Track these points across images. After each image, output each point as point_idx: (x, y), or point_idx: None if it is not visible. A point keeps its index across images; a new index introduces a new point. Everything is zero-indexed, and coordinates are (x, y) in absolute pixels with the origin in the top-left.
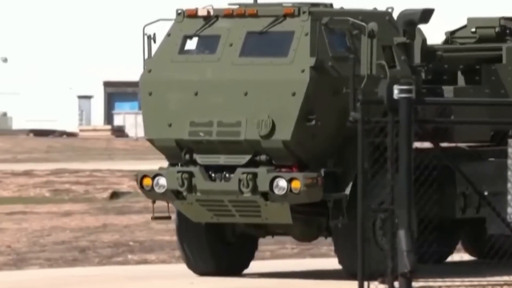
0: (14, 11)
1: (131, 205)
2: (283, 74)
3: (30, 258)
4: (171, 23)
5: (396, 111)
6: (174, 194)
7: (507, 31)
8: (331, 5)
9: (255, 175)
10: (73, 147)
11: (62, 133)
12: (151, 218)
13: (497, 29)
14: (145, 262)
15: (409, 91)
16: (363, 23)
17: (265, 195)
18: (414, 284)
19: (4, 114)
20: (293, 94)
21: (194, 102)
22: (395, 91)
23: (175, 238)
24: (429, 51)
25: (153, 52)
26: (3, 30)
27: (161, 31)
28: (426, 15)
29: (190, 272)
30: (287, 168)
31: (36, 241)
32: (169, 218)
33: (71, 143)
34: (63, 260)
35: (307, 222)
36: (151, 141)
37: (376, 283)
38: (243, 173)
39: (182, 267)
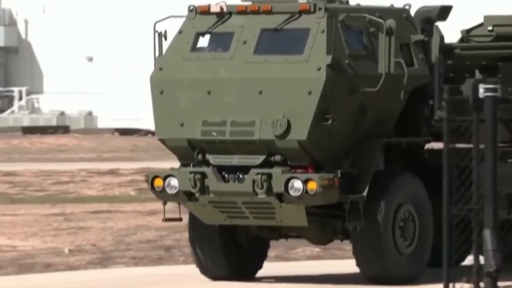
0: (99, 11)
1: None
2: (298, 72)
3: (115, 256)
4: (183, 20)
5: (481, 110)
6: (186, 196)
7: None
8: (347, 1)
9: (269, 175)
10: (158, 146)
11: (147, 132)
12: (162, 220)
13: None
14: None
15: (494, 90)
16: (381, 20)
17: (280, 197)
18: (499, 283)
19: (90, 113)
20: (309, 93)
21: (206, 101)
22: (481, 90)
23: None
24: (447, 49)
25: (164, 49)
26: (89, 29)
27: (173, 28)
28: (444, 12)
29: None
30: (303, 168)
31: (122, 239)
32: (180, 220)
33: (156, 142)
34: (148, 259)
35: (322, 224)
36: (162, 141)
37: (461, 283)
38: (258, 173)
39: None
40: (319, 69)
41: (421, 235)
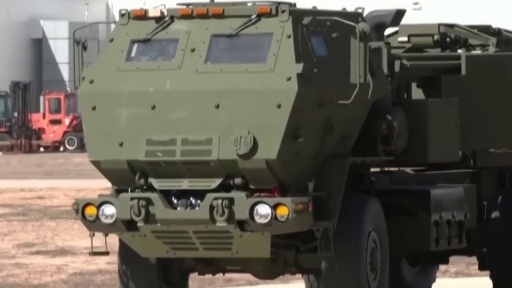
0: None
1: None
2: (264, 83)
3: None
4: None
5: None
6: (124, 225)
7: (448, 39)
8: (294, 5)
9: (231, 200)
10: None
11: None
12: (89, 253)
13: (436, 37)
14: None
15: None
16: (353, 23)
17: (242, 224)
18: None
19: None
20: (278, 106)
21: (150, 117)
22: None
23: None
24: (394, 59)
25: (86, 61)
26: None
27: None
28: (398, 17)
29: None
30: (266, 192)
31: None
32: (107, 253)
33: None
34: None
35: (273, 256)
36: (96, 163)
37: None
38: (216, 198)
39: None
40: (288, 79)
41: (383, 268)
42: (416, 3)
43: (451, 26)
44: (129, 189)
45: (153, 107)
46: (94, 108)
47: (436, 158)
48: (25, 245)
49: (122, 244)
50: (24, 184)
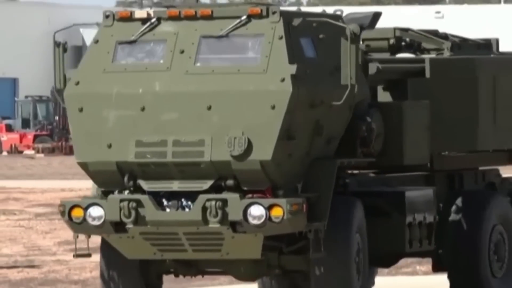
0: None
1: None
2: (257, 84)
3: None
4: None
5: None
6: (112, 227)
7: (403, 43)
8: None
9: (224, 202)
10: None
11: None
12: (74, 256)
13: (391, 41)
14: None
15: None
16: (343, 25)
17: (234, 226)
18: None
19: None
20: (273, 107)
21: (140, 118)
22: None
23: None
24: (367, 62)
25: (67, 63)
26: None
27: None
28: (375, 19)
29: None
30: (258, 193)
31: None
32: (89, 255)
33: None
34: None
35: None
36: (83, 165)
37: None
38: (209, 200)
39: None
40: (282, 80)
41: (365, 269)
42: (438, 12)
43: (406, 30)
44: (116, 191)
45: (143, 109)
46: (81, 110)
47: (411, 160)
48: (65, 242)
49: (104, 245)
50: (64, 184)
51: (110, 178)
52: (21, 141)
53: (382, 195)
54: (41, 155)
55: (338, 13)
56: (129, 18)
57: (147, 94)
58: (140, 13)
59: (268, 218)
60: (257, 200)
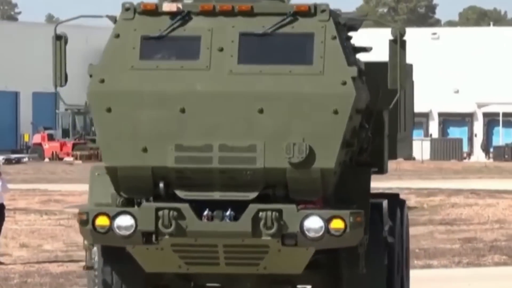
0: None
1: (417, 218)
2: (315, 87)
3: None
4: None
5: None
6: (143, 237)
7: None
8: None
9: (280, 213)
10: None
11: None
12: (84, 268)
13: None
14: (428, 267)
15: None
16: (392, 25)
17: (283, 238)
18: None
19: None
20: (335, 112)
21: (180, 120)
22: None
23: (456, 246)
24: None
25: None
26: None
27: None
28: (361, 23)
29: (469, 275)
30: (308, 204)
31: None
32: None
33: None
34: None
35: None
36: (112, 169)
37: None
38: (262, 210)
39: (462, 271)
40: (344, 83)
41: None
42: (434, 33)
43: None
44: (140, 200)
45: (182, 110)
46: (109, 110)
47: (387, 170)
48: None
49: (108, 257)
50: None
51: (141, 185)
52: (61, 149)
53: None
54: (79, 161)
55: (338, 12)
56: (154, 12)
57: (186, 94)
58: (168, 6)
59: (327, 231)
60: (315, 211)
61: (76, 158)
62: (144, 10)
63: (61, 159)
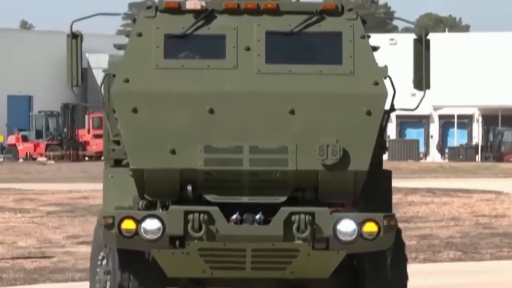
0: None
1: None
2: (347, 87)
3: None
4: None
5: None
6: (170, 242)
7: None
8: None
9: (312, 216)
10: None
11: None
12: (104, 273)
13: None
14: None
15: None
16: (419, 25)
17: (313, 242)
18: None
19: None
20: (368, 113)
21: (208, 121)
22: None
23: (413, 242)
24: None
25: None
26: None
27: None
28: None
29: (425, 270)
30: (338, 207)
31: None
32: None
33: None
34: None
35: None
36: (139, 172)
37: None
38: (294, 213)
39: (418, 267)
40: (376, 83)
41: None
42: (392, 39)
43: None
44: (166, 203)
45: (211, 111)
46: (135, 111)
47: None
48: (73, 236)
49: (125, 263)
50: (72, 187)
51: (167, 188)
52: (35, 150)
53: None
54: (52, 161)
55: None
56: (177, 10)
57: (215, 94)
58: (192, 4)
59: (360, 235)
60: (348, 214)
61: (49, 159)
62: (167, 8)
63: (34, 159)
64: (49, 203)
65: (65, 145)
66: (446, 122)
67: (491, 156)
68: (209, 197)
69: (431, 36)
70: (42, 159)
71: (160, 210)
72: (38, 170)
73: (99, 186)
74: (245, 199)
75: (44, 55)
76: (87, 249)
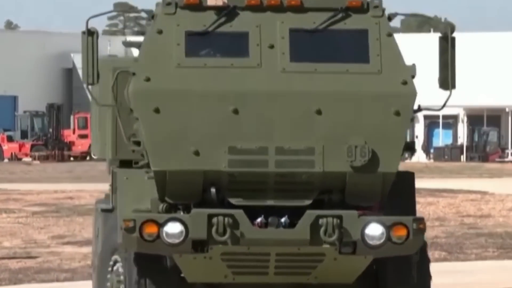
0: None
1: None
2: (374, 86)
3: None
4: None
5: None
6: (193, 246)
7: None
8: None
9: (340, 219)
10: None
11: None
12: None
13: None
14: None
15: None
16: (444, 22)
17: (339, 246)
18: None
19: None
20: (397, 113)
21: (232, 121)
22: None
23: None
24: None
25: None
26: None
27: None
28: None
29: None
30: (363, 210)
31: None
32: None
33: None
34: None
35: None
36: (161, 174)
37: None
38: (321, 216)
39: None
40: (405, 83)
41: None
42: None
43: None
44: (183, 206)
45: (235, 111)
46: (157, 110)
47: None
48: (58, 236)
49: (142, 268)
50: (57, 187)
51: (190, 190)
52: (20, 150)
53: None
54: (37, 162)
55: None
56: (198, 6)
57: (239, 93)
58: (213, 0)
59: (388, 239)
60: (376, 217)
61: (34, 159)
62: (187, 4)
63: (20, 159)
64: (34, 203)
65: (50, 145)
66: (431, 122)
67: (476, 156)
68: (233, 200)
69: (417, 37)
70: (27, 159)
71: (182, 213)
72: (24, 170)
73: (85, 186)
74: (269, 202)
75: (29, 55)
76: (72, 249)
